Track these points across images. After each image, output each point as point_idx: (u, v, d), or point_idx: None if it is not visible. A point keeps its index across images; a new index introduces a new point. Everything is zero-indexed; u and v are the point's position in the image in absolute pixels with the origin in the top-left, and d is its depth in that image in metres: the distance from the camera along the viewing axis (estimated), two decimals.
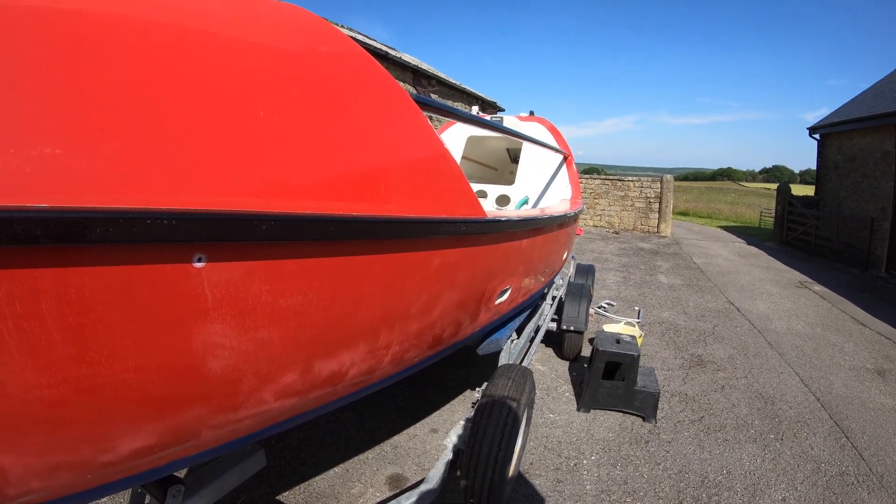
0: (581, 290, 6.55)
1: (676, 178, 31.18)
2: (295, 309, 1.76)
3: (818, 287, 11.98)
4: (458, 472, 3.19)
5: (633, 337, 5.41)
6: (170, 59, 1.44)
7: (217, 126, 1.47)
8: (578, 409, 5.18)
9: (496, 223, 2.90)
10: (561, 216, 4.60)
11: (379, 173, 1.98)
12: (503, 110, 26.76)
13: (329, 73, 1.90)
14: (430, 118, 11.77)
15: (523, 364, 4.59)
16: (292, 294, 1.73)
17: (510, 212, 3.73)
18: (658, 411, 5.08)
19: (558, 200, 6.88)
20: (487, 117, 7.53)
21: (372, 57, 2.13)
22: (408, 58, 18.47)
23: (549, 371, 6.22)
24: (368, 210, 1.91)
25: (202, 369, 1.58)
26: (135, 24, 1.41)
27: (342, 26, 15.95)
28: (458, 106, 21.18)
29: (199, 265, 1.43)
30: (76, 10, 1.33)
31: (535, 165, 7.38)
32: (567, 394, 5.58)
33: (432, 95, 18.51)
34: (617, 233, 20.59)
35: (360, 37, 15.53)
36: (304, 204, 1.66)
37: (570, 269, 8.50)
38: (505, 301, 3.74)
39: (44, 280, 1.21)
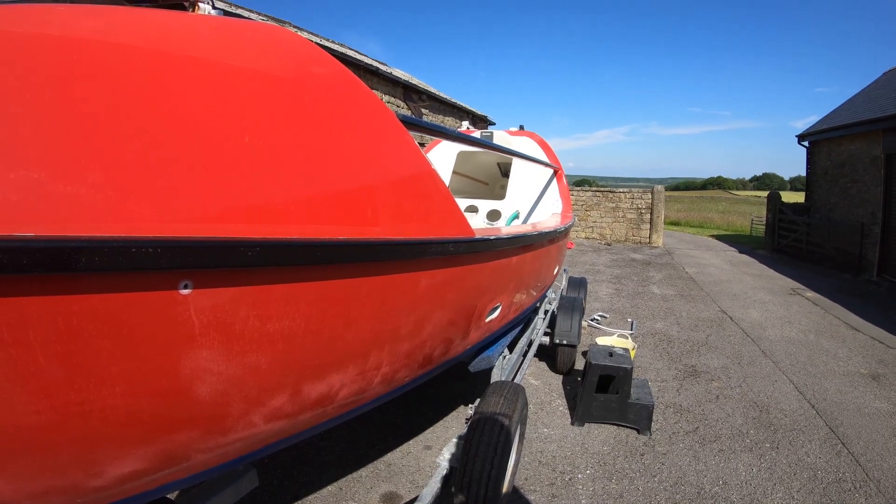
0: (573, 303, 6.54)
1: (668, 189, 31.29)
2: (283, 333, 1.76)
3: (810, 293, 12.03)
4: (453, 490, 3.18)
5: (626, 349, 5.41)
6: (154, 85, 1.45)
7: (201, 152, 1.48)
8: (573, 423, 5.17)
9: (485, 242, 2.91)
10: (550, 232, 4.61)
11: (365, 196, 1.99)
12: (494, 124, 26.90)
13: (314, 96, 1.91)
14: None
15: (516, 379, 4.58)
16: (280, 318, 1.73)
17: (498, 230, 3.74)
18: (652, 423, 5.07)
19: (549, 214, 6.89)
20: (477, 132, 7.56)
21: (357, 77, 2.14)
22: (399, 73, 18.57)
23: (542, 385, 6.21)
24: (355, 233, 1.91)
25: (190, 394, 1.58)
26: (119, 50, 1.42)
27: (334, 42, 16.02)
28: (449, 120, 21.25)
29: (185, 292, 1.44)
30: (60, 36, 1.34)
31: (526, 180, 7.41)
32: (561, 408, 5.57)
33: (423, 110, 18.57)
34: (609, 244, 20.62)
35: (351, 52, 15.59)
36: (290, 228, 1.67)
37: (563, 283, 8.52)
38: (496, 318, 3.74)
39: (31, 308, 1.21)
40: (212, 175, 1.50)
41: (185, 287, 1.44)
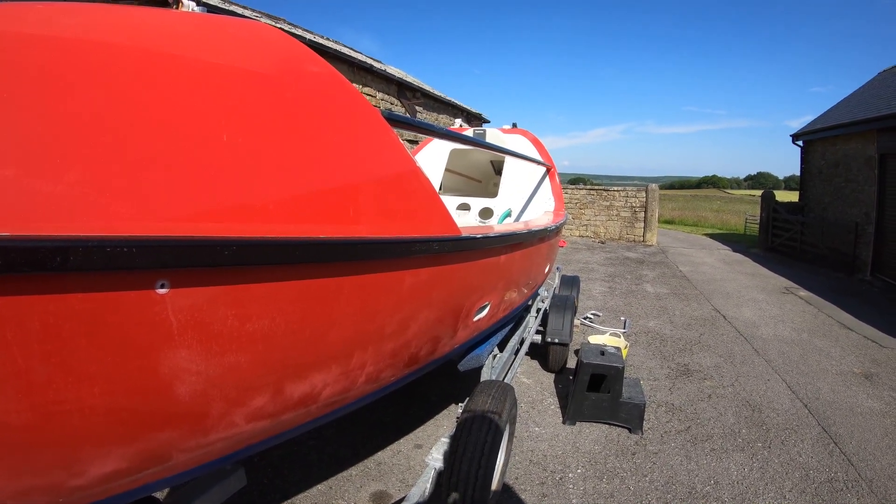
0: (565, 301, 6.54)
1: (662, 187, 31.35)
2: (263, 333, 1.74)
3: (804, 292, 12.06)
4: (442, 489, 3.17)
5: (618, 348, 5.41)
6: (131, 82, 1.44)
7: (180, 150, 1.47)
8: (564, 422, 5.16)
9: (471, 241, 2.89)
10: (540, 230, 4.59)
11: (347, 194, 1.97)
12: (488, 122, 26.84)
13: (296, 93, 1.89)
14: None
15: (507, 378, 4.57)
16: (260, 318, 1.71)
17: (487, 228, 3.73)
18: (644, 422, 5.07)
19: (541, 212, 6.88)
20: (470, 130, 7.54)
21: (342, 75, 2.12)
22: (393, 70, 18.50)
23: (534, 384, 6.20)
24: (337, 231, 1.90)
25: (170, 394, 1.56)
26: (96, 48, 1.40)
27: (328, 38, 15.96)
28: (443, 118, 21.21)
29: (162, 291, 1.42)
30: (36, 34, 1.33)
31: (518, 178, 7.40)
32: (552, 406, 5.56)
33: (417, 108, 18.53)
34: (603, 242, 20.66)
35: (345, 49, 15.53)
36: (270, 227, 1.65)
37: (555, 281, 8.51)
38: (484, 317, 3.73)
39: (5, 308, 1.20)
40: (190, 173, 1.48)
41: (162, 286, 1.42)
